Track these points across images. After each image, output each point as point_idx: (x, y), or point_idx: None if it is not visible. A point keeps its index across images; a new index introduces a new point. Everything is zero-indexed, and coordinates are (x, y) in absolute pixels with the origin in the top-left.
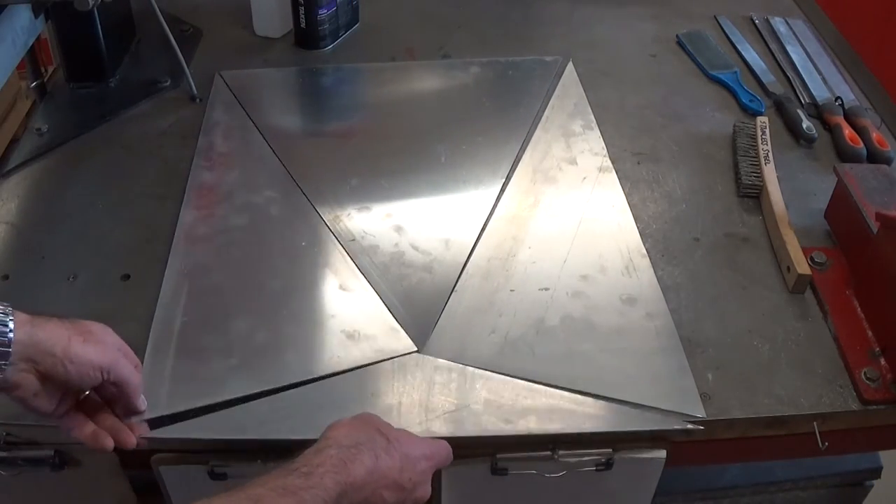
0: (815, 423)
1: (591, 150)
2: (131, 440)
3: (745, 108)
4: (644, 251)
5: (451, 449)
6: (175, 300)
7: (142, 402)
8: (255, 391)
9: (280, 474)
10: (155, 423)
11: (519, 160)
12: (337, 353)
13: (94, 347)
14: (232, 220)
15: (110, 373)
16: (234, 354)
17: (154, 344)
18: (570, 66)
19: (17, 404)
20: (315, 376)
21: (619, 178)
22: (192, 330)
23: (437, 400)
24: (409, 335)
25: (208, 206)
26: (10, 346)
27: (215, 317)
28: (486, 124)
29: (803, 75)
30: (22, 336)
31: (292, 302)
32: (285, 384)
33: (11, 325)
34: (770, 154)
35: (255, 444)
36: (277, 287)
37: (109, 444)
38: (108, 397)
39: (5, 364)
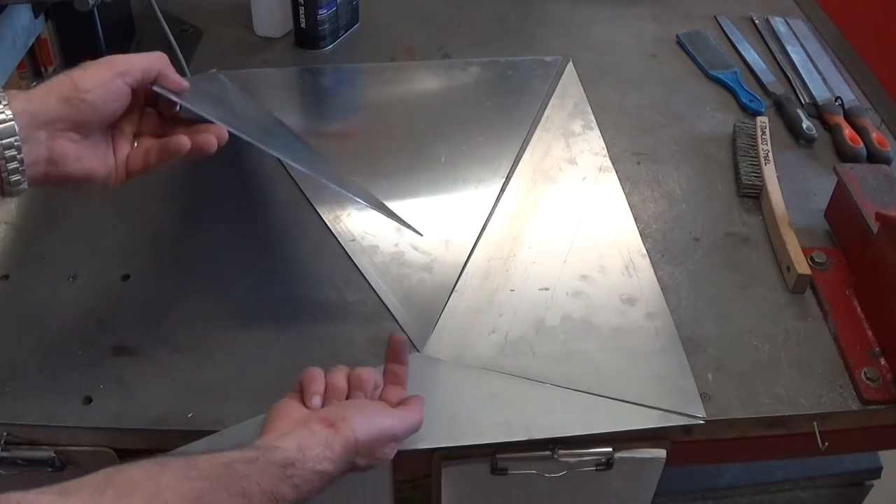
0: (815, 423)
1: (591, 150)
2: (211, 140)
3: (745, 108)
4: (644, 251)
5: (418, 419)
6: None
7: (180, 80)
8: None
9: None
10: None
11: (519, 160)
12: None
13: (97, 66)
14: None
15: (129, 73)
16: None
17: None
18: (571, 66)
19: (77, 190)
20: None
21: (619, 178)
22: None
23: (438, 400)
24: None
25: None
26: (13, 120)
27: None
28: (486, 124)
29: (803, 75)
30: (21, 105)
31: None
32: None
33: (4, 101)
34: (770, 154)
35: None
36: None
37: (184, 143)
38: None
39: (16, 141)
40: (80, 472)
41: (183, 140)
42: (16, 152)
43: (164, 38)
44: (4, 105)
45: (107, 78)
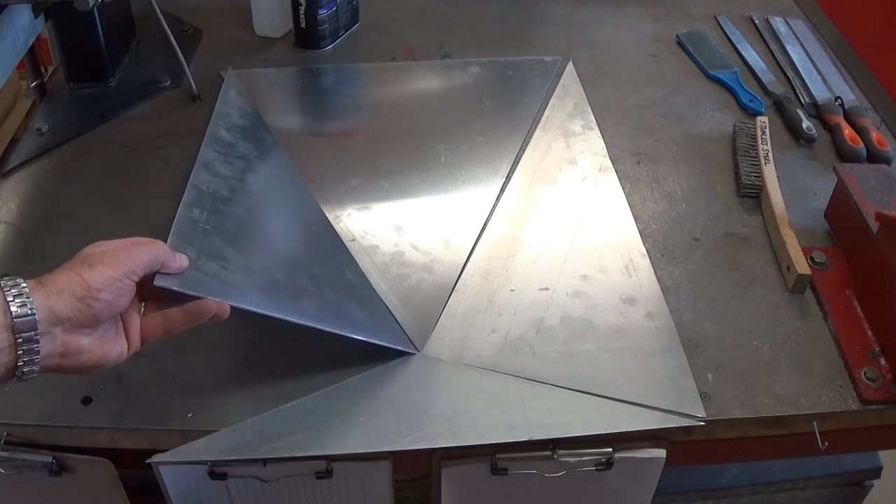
0: (815, 423)
1: (591, 150)
2: (225, 308)
3: (745, 108)
4: (644, 251)
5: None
6: None
7: (180, 259)
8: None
9: None
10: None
11: (519, 160)
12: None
13: (104, 264)
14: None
15: (135, 272)
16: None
17: None
18: (570, 66)
19: (89, 373)
20: (316, 383)
21: (619, 178)
22: None
23: (438, 400)
24: (409, 335)
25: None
26: (35, 314)
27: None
28: (486, 124)
29: (803, 75)
30: (40, 300)
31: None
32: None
33: (27, 293)
34: (770, 154)
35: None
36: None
37: (210, 306)
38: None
39: (36, 335)
40: (76, 480)
41: (210, 304)
42: (35, 345)
43: (164, 38)
44: (27, 298)
45: (115, 277)
